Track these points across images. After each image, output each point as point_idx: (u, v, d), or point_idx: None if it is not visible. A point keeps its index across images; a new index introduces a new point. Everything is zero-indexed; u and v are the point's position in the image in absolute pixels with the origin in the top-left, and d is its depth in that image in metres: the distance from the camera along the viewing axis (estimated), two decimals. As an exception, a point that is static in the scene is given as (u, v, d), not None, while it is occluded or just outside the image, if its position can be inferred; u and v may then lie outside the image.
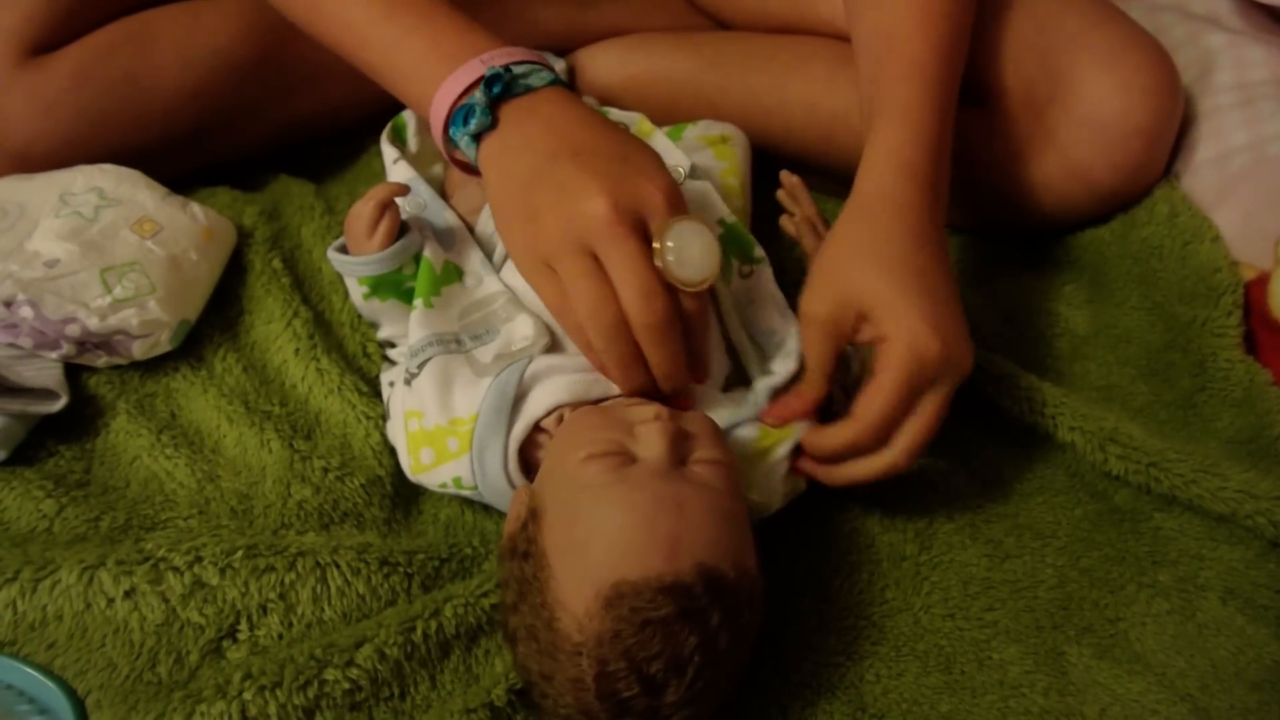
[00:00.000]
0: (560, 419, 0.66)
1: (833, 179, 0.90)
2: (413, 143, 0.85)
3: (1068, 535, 0.72)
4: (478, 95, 0.66)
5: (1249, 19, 0.94)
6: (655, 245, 0.62)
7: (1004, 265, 0.91)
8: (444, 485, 0.69)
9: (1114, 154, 0.83)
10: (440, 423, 0.67)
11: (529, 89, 0.67)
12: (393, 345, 0.77)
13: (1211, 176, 0.85)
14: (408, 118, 0.85)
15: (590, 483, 0.59)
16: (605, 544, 0.56)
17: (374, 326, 0.79)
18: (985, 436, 0.77)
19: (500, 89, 0.66)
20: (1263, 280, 0.79)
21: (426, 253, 0.72)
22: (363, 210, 0.71)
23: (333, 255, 0.74)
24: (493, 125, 0.66)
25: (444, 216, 0.77)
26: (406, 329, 0.73)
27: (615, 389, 0.66)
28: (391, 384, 0.74)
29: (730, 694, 0.59)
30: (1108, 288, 0.84)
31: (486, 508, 0.72)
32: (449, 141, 0.68)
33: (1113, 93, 0.82)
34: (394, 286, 0.73)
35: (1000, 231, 0.92)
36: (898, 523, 0.72)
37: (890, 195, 0.69)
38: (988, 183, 0.87)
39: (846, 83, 0.87)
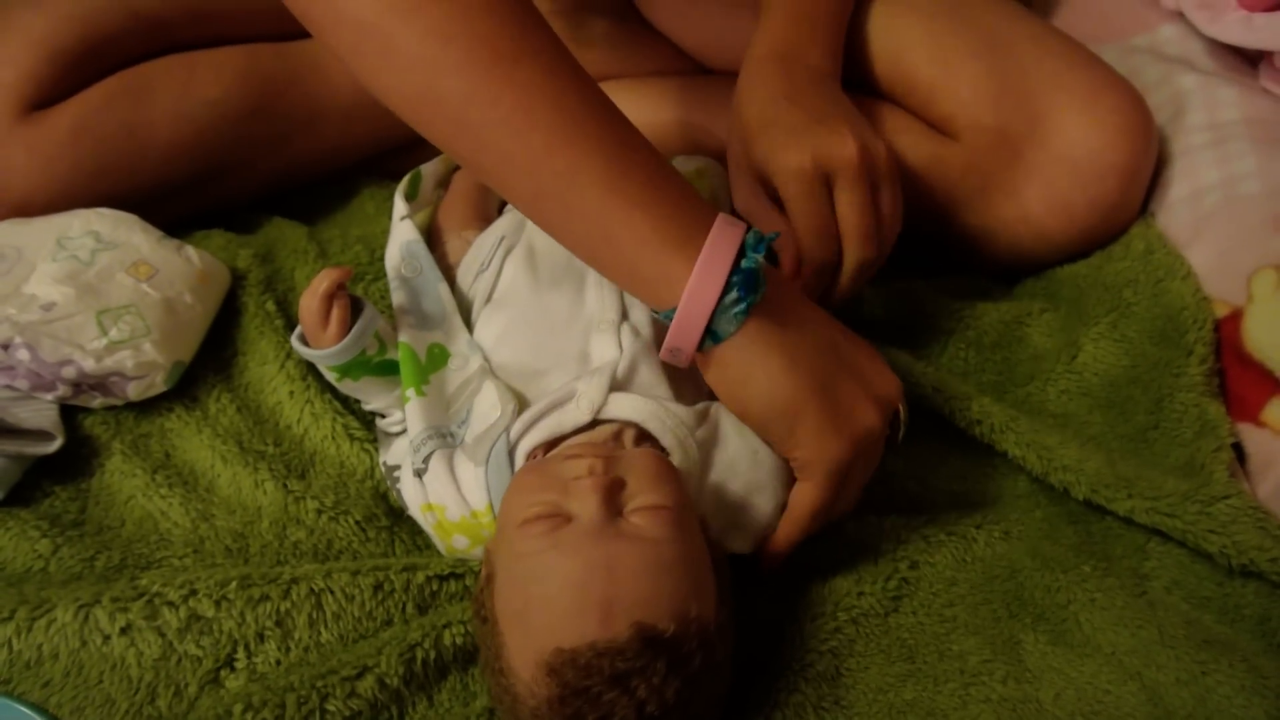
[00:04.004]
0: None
1: None
2: (425, 195, 0.85)
3: (1024, 532, 0.74)
4: (756, 258, 0.59)
5: (1220, 60, 0.96)
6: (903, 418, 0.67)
7: (983, 291, 0.93)
8: None
9: (1090, 192, 0.85)
10: (464, 515, 0.67)
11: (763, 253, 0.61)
12: (383, 416, 0.76)
13: (1185, 214, 0.87)
14: (425, 172, 0.85)
15: (525, 550, 0.58)
16: (541, 612, 0.57)
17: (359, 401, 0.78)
18: (950, 448, 0.80)
19: (765, 251, 0.60)
20: (1235, 316, 0.80)
21: (405, 338, 0.72)
22: (310, 304, 0.69)
23: (296, 346, 0.72)
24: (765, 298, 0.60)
25: (437, 289, 0.76)
26: (389, 402, 0.74)
27: (581, 420, 0.66)
28: (386, 464, 0.73)
29: (714, 717, 0.60)
30: (1081, 317, 0.86)
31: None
32: (717, 319, 0.60)
33: (1089, 132, 0.84)
34: (363, 366, 0.72)
35: (979, 269, 0.94)
36: (868, 525, 0.74)
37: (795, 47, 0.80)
38: (966, 219, 0.89)
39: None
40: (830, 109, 0.77)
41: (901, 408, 0.68)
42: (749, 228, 0.61)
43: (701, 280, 0.59)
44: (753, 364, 0.61)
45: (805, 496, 0.64)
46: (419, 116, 0.62)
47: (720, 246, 0.59)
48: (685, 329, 0.60)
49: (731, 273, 0.59)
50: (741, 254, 0.59)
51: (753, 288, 0.59)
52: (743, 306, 0.59)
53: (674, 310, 0.60)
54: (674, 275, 0.59)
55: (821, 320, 0.65)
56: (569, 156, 0.60)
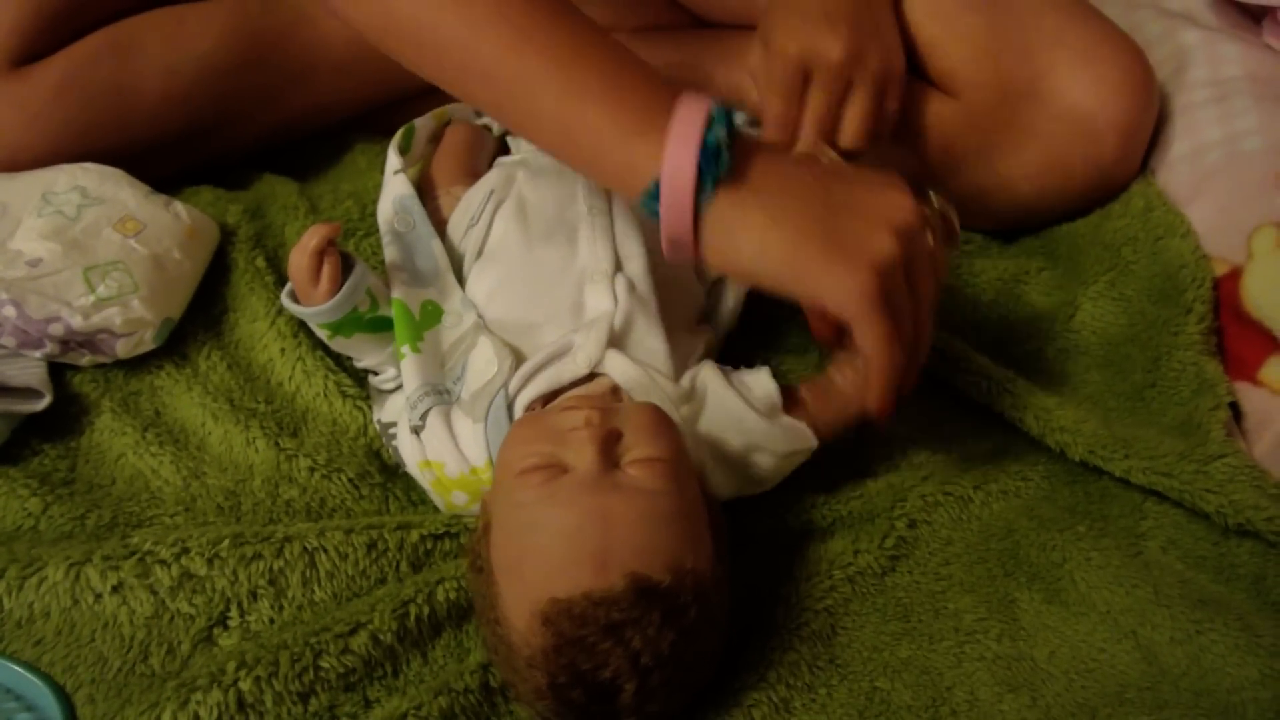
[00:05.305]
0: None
1: None
2: (418, 150, 0.84)
3: (1021, 491, 0.74)
4: (718, 132, 0.58)
5: (1223, 16, 0.95)
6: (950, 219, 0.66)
7: (981, 249, 0.93)
8: None
9: (1089, 149, 0.84)
10: (463, 471, 0.67)
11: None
12: (375, 374, 0.76)
13: (1186, 172, 0.86)
14: (418, 126, 0.84)
15: (522, 500, 0.58)
16: (536, 562, 0.57)
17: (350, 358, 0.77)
18: (948, 408, 0.80)
19: (728, 125, 0.59)
20: (1235, 274, 0.80)
21: (398, 295, 0.71)
22: (300, 260, 0.68)
23: (287, 303, 0.72)
24: (732, 169, 0.59)
25: (430, 245, 0.75)
26: (382, 359, 0.74)
27: (579, 372, 0.66)
28: (381, 422, 0.73)
29: (705, 675, 0.60)
30: (1080, 275, 0.85)
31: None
32: (698, 195, 0.59)
33: (1088, 89, 0.83)
34: (354, 324, 0.72)
35: (979, 227, 0.93)
36: (868, 490, 0.74)
37: None
38: (965, 176, 0.88)
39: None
40: (849, 9, 0.77)
41: (943, 206, 0.66)
42: (713, 102, 0.60)
43: (675, 163, 0.58)
44: (734, 229, 0.60)
45: (864, 339, 0.60)
46: (384, 42, 0.65)
47: (685, 126, 0.58)
48: (675, 216, 0.59)
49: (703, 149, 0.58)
50: (708, 129, 0.59)
51: (712, 161, 0.58)
52: (706, 181, 0.58)
53: (652, 200, 0.59)
54: (638, 163, 0.59)
55: (805, 171, 0.63)
56: (517, 64, 0.62)
